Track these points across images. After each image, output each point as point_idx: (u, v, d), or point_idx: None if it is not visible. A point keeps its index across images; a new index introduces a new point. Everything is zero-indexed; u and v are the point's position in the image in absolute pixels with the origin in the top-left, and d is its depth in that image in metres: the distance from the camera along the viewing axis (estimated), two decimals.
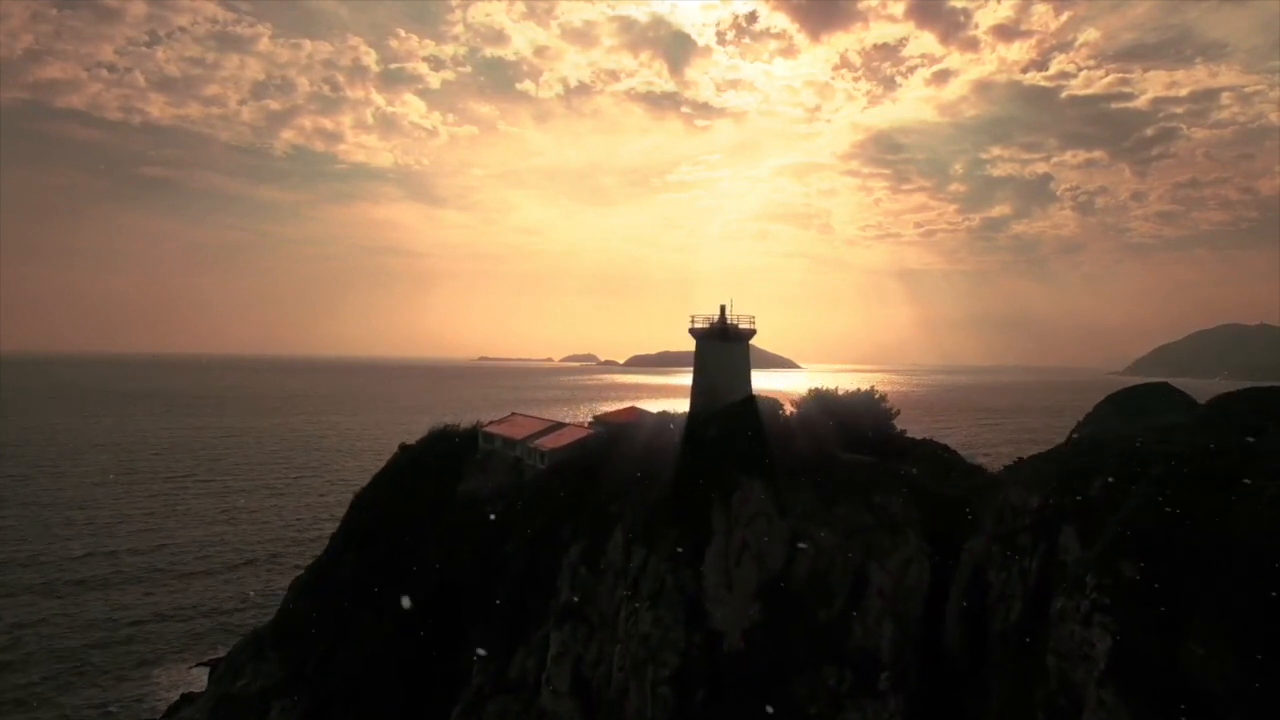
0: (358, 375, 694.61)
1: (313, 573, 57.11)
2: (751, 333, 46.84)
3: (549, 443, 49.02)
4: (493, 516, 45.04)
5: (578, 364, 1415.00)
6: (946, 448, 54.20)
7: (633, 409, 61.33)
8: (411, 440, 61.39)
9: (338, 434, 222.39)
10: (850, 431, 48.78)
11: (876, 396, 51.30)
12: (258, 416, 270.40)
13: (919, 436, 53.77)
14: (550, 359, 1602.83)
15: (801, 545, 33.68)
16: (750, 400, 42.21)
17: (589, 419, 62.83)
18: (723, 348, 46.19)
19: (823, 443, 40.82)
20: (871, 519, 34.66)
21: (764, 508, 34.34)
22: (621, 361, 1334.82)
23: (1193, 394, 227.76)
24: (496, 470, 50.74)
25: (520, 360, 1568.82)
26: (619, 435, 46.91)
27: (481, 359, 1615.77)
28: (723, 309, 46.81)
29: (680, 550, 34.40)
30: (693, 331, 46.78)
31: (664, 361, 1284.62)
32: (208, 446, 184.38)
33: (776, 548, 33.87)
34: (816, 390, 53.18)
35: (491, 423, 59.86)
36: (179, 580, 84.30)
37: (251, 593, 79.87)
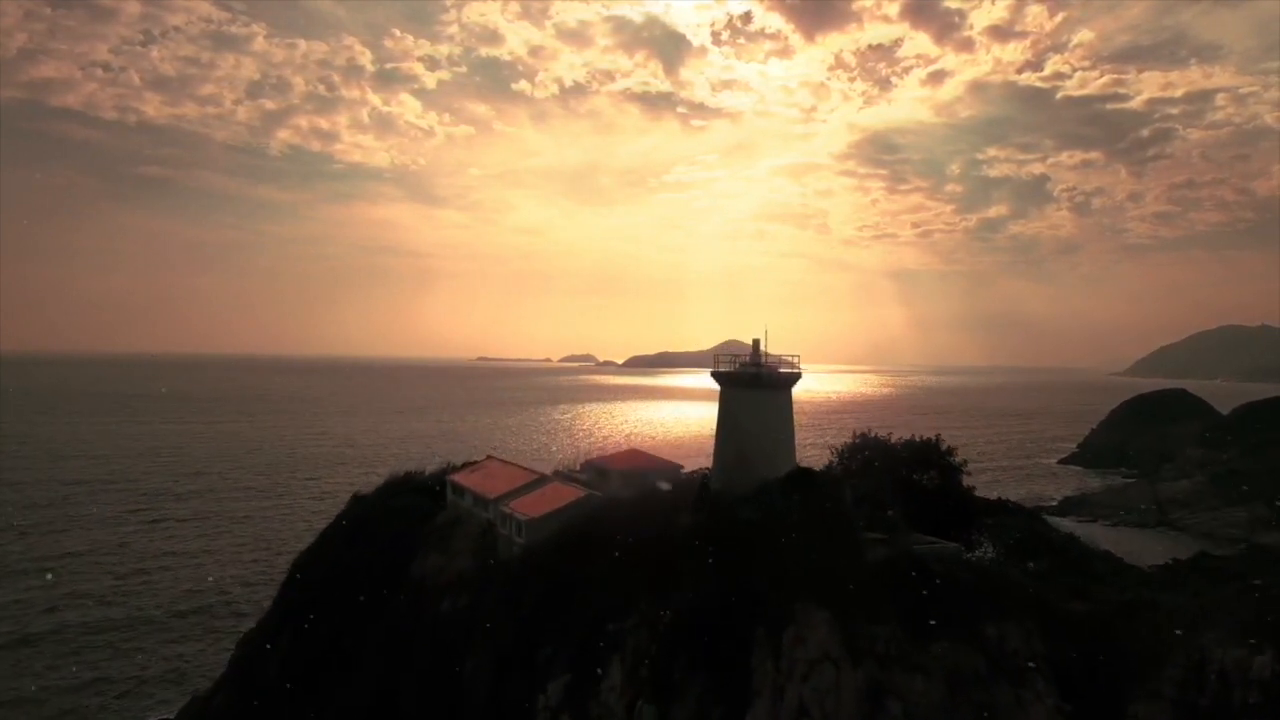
0: (356, 376, 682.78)
1: (238, 663, 46.02)
2: (795, 377, 34.93)
3: (527, 507, 38.04)
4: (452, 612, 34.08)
5: (576, 364, 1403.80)
6: (1026, 509, 43.76)
7: (635, 453, 50.29)
8: (400, 465, 50.49)
9: (329, 440, 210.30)
10: (906, 487, 38.15)
11: (939, 445, 40.49)
12: (248, 420, 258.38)
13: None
14: (549, 359, 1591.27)
15: (888, 706, 22.79)
16: (801, 477, 30.74)
17: (581, 463, 51.80)
18: (756, 399, 33.57)
19: (892, 523, 30.08)
20: (984, 661, 23.77)
21: (829, 649, 23.34)
22: (620, 362, 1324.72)
23: (1194, 395, 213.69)
24: (461, 542, 39.57)
25: (519, 360, 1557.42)
26: (618, 500, 36.11)
27: (480, 359, 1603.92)
28: (756, 345, 34.89)
29: (707, 714, 23.43)
30: (716, 376, 35.16)
31: (663, 362, 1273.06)
32: (184, 456, 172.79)
33: (849, 709, 22.95)
34: (864, 436, 42.46)
35: (462, 469, 48.82)
36: (111, 635, 72.57)
37: (188, 654, 67.96)
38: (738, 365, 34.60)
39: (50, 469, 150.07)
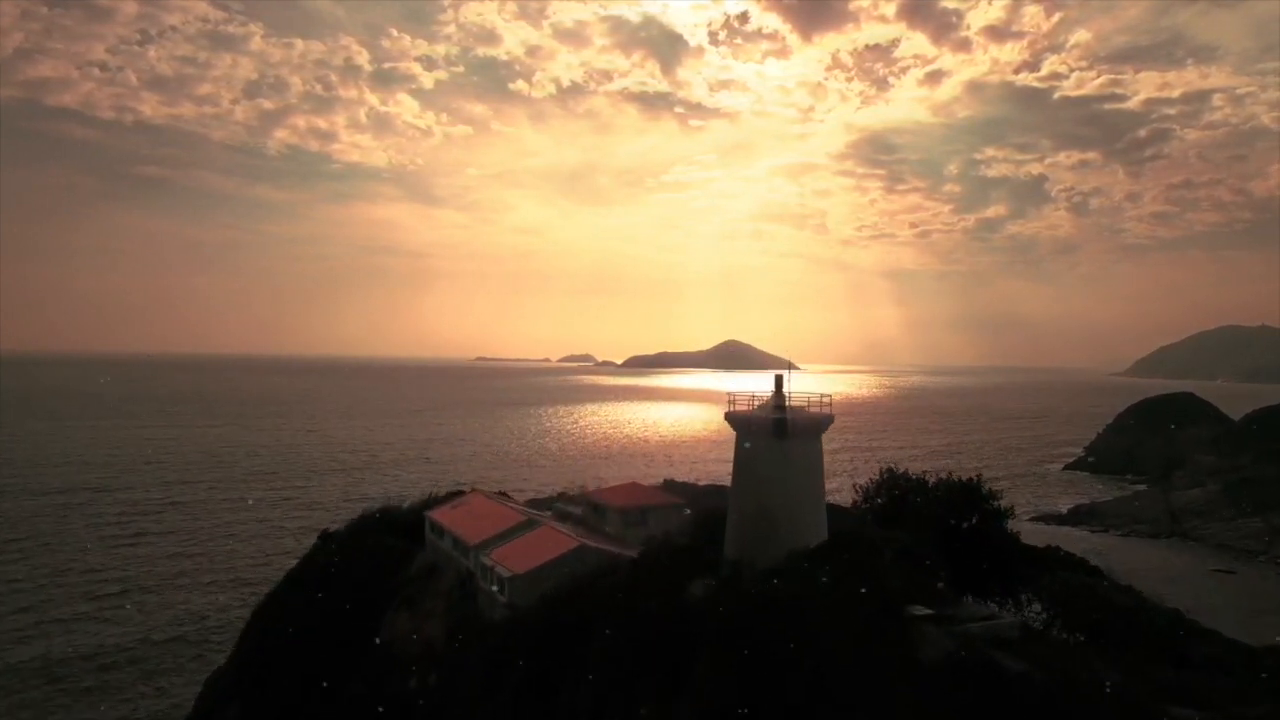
0: (354, 376, 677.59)
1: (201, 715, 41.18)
2: (827, 421, 29.43)
3: (513, 559, 33.22)
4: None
5: (575, 364, 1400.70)
6: (1076, 558, 39.09)
7: (635, 487, 45.34)
8: (373, 501, 45.53)
9: (324, 445, 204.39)
10: (943, 533, 33.52)
11: (980, 486, 35.73)
12: (242, 424, 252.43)
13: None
14: (548, 359, 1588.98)
15: None
16: (837, 545, 25.65)
17: (576, 490, 47.12)
18: (782, 450, 27.84)
19: (940, 592, 25.34)
20: None
21: None
22: (619, 362, 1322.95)
23: (1201, 398, 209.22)
24: (434, 600, 34.73)
25: (518, 360, 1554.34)
26: (616, 556, 31.33)
27: (479, 359, 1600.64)
28: (779, 382, 29.29)
29: None
30: (731, 418, 29.77)
31: (662, 362, 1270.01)
32: (173, 462, 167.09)
33: None
34: (892, 471, 37.76)
35: (444, 504, 43.95)
36: (78, 665, 67.31)
37: (165, 688, 62.59)
38: (757, 406, 29.01)
39: (33, 477, 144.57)
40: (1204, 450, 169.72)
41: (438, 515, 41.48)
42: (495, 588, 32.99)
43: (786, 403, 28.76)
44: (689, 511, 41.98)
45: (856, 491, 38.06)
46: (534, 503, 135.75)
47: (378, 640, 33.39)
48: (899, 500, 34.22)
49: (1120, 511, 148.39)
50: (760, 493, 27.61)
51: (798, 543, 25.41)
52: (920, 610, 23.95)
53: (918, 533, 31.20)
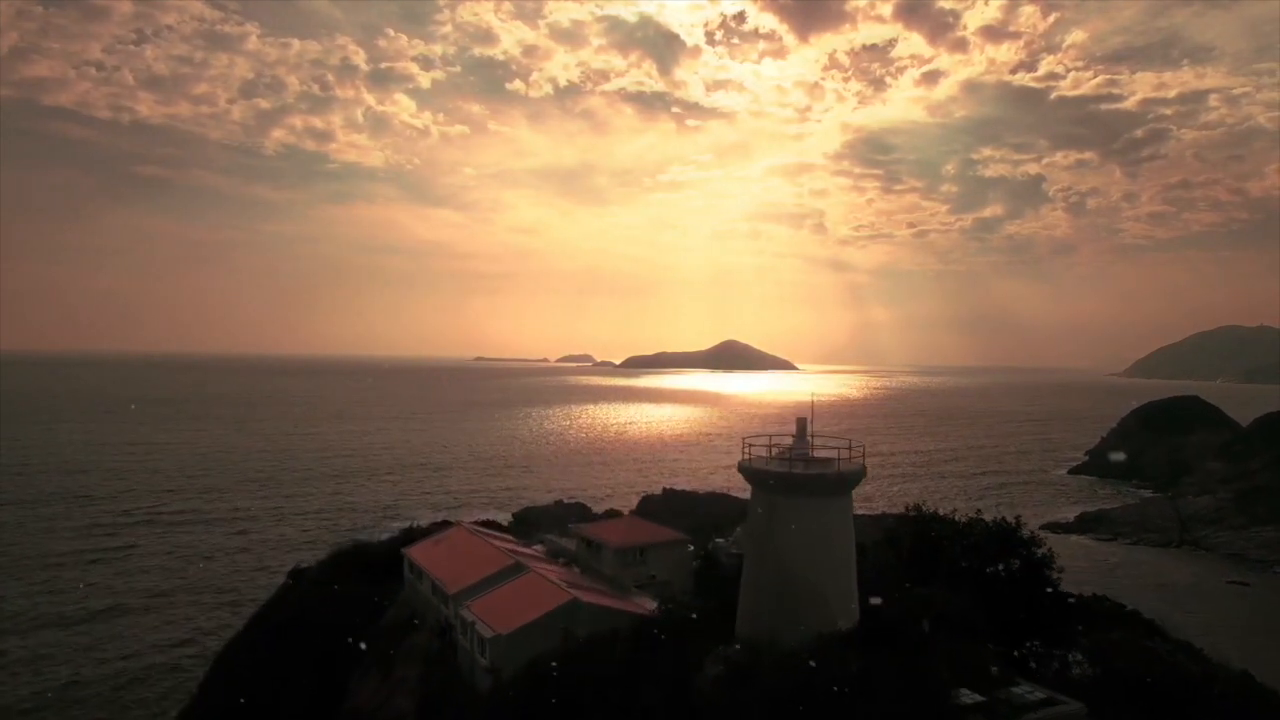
0: (352, 377, 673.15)
1: None
2: (857, 476, 24.70)
3: (496, 615, 29.41)
4: None
5: (574, 364, 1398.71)
6: (1126, 609, 35.54)
7: (633, 524, 41.63)
8: (351, 531, 41.77)
9: (318, 450, 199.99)
10: (979, 581, 29.97)
11: (1020, 529, 31.94)
12: (236, 427, 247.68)
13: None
14: (546, 359, 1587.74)
15: None
16: (875, 627, 21.68)
17: (567, 531, 43.34)
18: (807, 510, 23.10)
19: (991, 674, 21.71)
20: None
21: None
22: (617, 362, 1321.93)
23: (1207, 402, 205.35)
24: (407, 665, 30.95)
25: (516, 360, 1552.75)
26: (617, 614, 27.65)
27: (477, 359, 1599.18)
28: (802, 426, 24.69)
29: None
30: (746, 471, 24.76)
31: (660, 362, 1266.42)
32: (164, 469, 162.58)
33: None
34: (920, 512, 34.09)
35: (423, 542, 39.99)
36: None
37: None
38: (776, 454, 24.24)
39: (16, 484, 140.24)
40: (1212, 456, 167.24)
41: (416, 553, 37.73)
42: (476, 647, 29.34)
43: (811, 451, 24.27)
44: (692, 548, 38.55)
45: (878, 528, 34.28)
46: (527, 511, 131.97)
47: (345, 707, 29.71)
48: (932, 547, 30.59)
49: (1128, 519, 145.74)
50: (780, 562, 22.99)
51: (824, 623, 21.34)
52: (970, 697, 20.44)
53: (953, 584, 27.60)
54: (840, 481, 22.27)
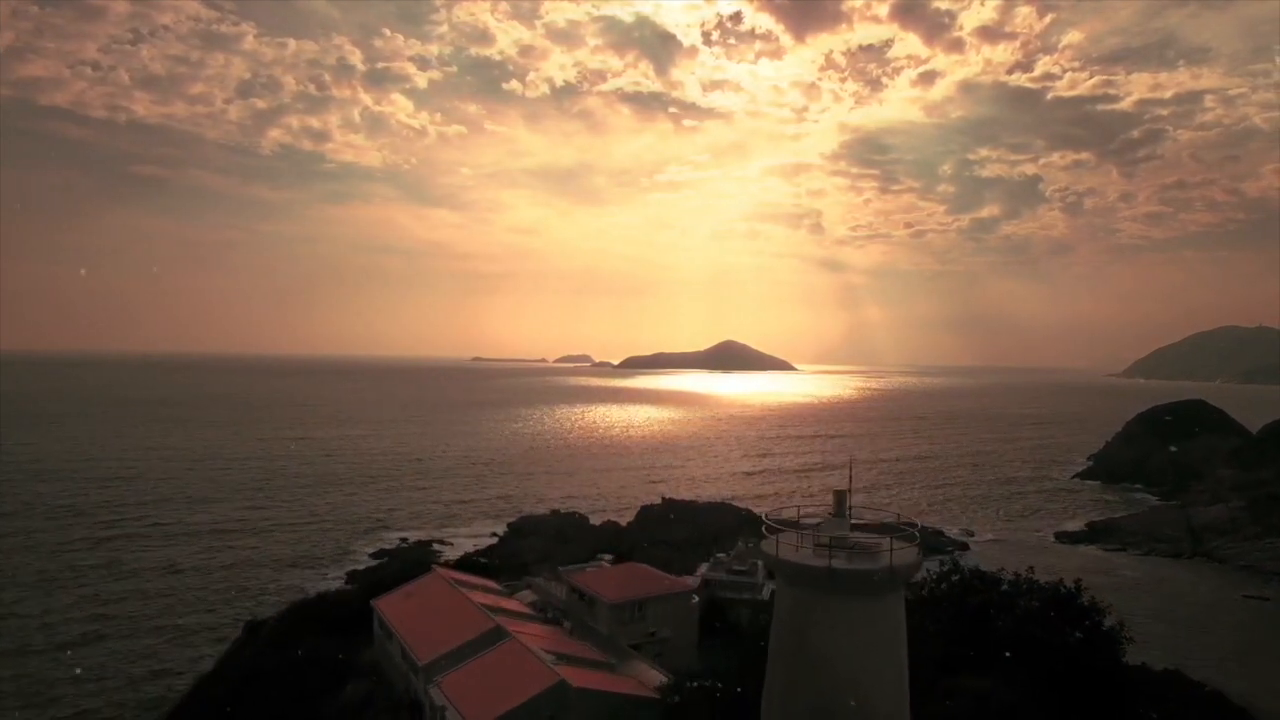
0: (350, 377, 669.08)
1: None
2: (915, 566, 18.34)
3: (470, 700, 25.21)
4: None
5: (572, 364, 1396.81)
6: (1204, 688, 31.23)
7: (631, 573, 37.68)
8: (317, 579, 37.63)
9: (313, 455, 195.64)
10: (1031, 648, 26.13)
11: (1080, 597, 27.51)
12: (231, 430, 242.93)
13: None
14: (544, 359, 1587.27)
15: None
16: None
17: (558, 576, 39.28)
18: (850, 611, 17.43)
19: None
20: None
21: None
22: (616, 363, 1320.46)
23: (1213, 405, 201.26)
24: None
25: (514, 360, 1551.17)
26: (610, 698, 23.73)
27: (476, 359, 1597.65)
28: (841, 499, 18.93)
29: None
30: (771, 563, 18.73)
31: (659, 363, 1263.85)
32: (155, 475, 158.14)
33: None
34: (961, 573, 29.84)
35: (393, 594, 35.75)
36: None
37: None
38: (808, 543, 17.99)
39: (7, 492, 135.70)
40: (1220, 462, 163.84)
41: (386, 608, 33.67)
42: None
43: (850, 532, 18.35)
44: (696, 599, 34.75)
45: (919, 588, 29.17)
46: (522, 521, 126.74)
47: None
48: (975, 617, 26.32)
49: (1138, 528, 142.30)
50: (814, 676, 17.66)
51: None
52: None
53: (1006, 665, 23.59)
54: (892, 579, 17.28)
